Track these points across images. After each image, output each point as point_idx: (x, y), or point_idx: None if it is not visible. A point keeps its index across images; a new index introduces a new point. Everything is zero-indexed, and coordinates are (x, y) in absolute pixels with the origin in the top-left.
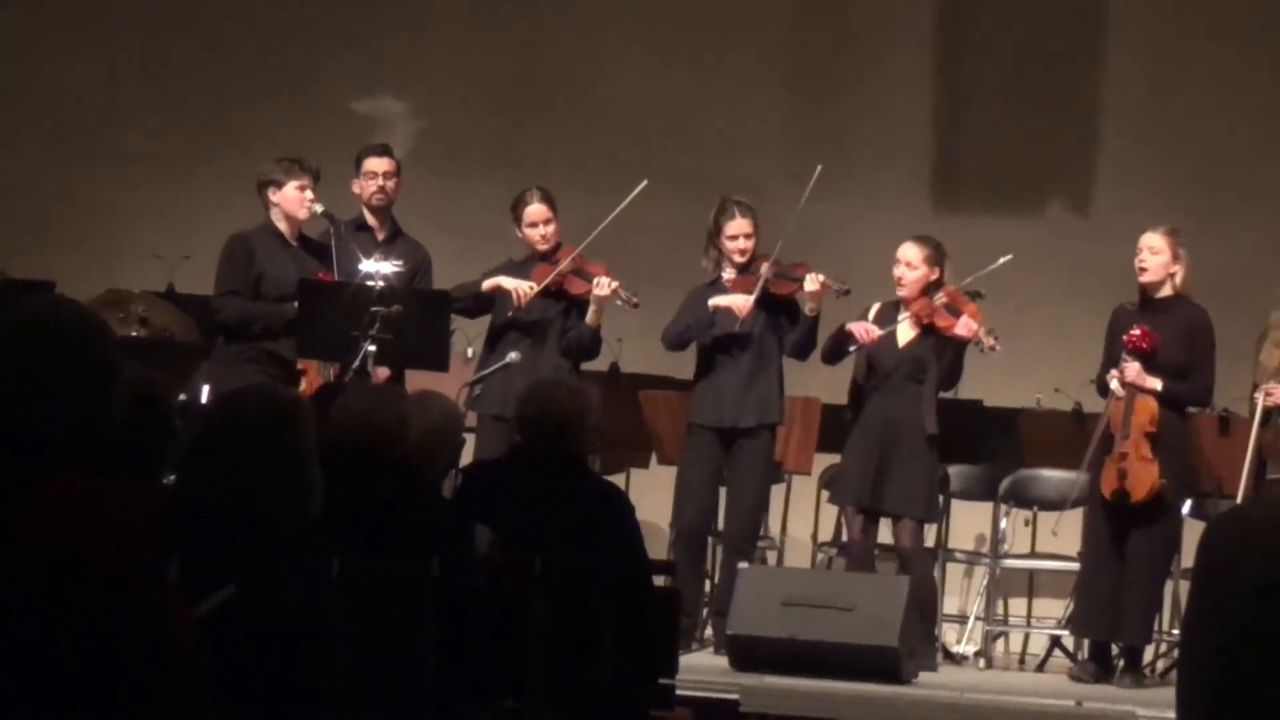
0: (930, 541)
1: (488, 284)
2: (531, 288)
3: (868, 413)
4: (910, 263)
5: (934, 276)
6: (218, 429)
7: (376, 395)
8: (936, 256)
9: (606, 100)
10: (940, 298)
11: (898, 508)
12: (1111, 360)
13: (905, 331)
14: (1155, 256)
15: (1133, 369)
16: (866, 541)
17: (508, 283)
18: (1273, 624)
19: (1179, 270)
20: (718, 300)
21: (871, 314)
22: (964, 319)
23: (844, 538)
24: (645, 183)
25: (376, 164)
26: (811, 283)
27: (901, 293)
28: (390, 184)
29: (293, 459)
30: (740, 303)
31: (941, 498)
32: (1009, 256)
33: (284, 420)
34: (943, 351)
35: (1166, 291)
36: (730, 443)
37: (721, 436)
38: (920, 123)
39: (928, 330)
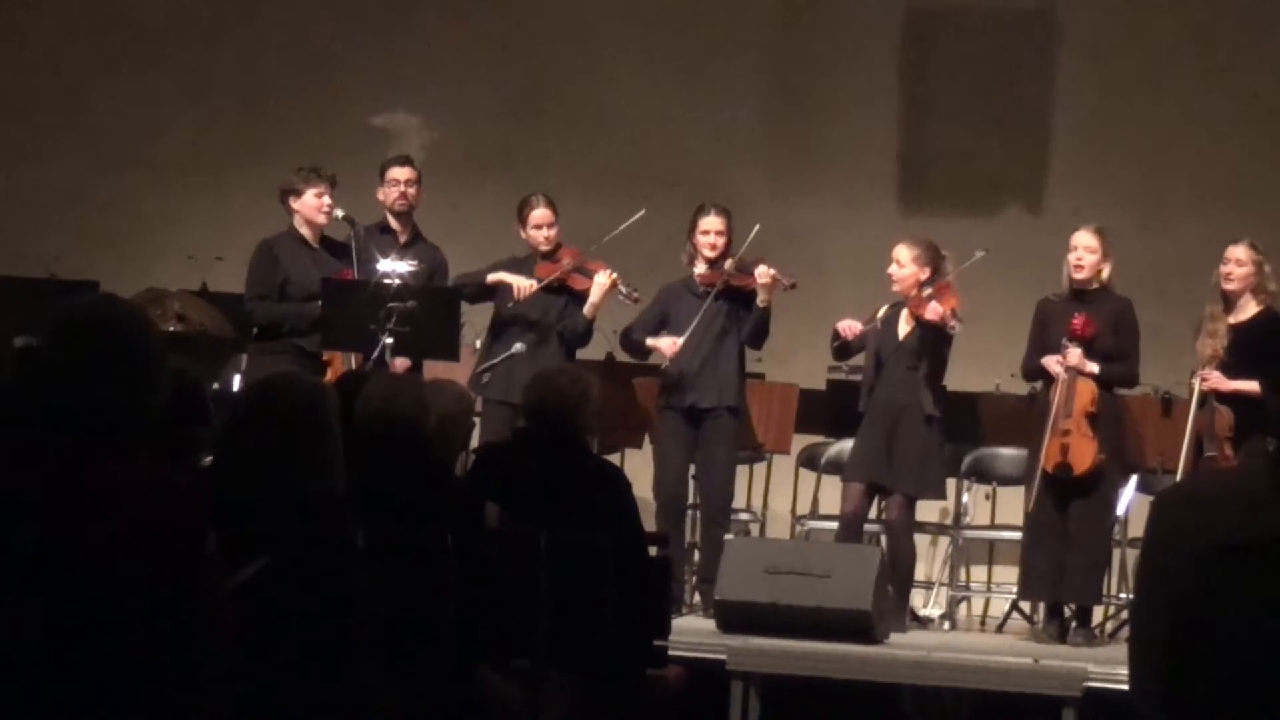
0: (932, 515)
1: (492, 277)
2: (532, 284)
3: (875, 400)
4: (900, 262)
5: (925, 275)
6: (250, 413)
7: (397, 384)
8: (928, 256)
9: (602, 113)
10: (929, 291)
11: (892, 483)
12: (1042, 347)
13: (903, 325)
14: (1091, 255)
15: (1075, 354)
16: (859, 515)
17: (509, 278)
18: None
19: (1107, 265)
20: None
21: (881, 313)
22: (933, 303)
23: (820, 510)
24: (643, 211)
25: (399, 173)
26: (763, 276)
27: (895, 289)
28: (411, 191)
29: (318, 438)
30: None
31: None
32: (983, 252)
33: (309, 404)
34: (926, 341)
35: (1095, 284)
36: (698, 422)
37: (687, 415)
38: (888, 132)
39: (918, 322)
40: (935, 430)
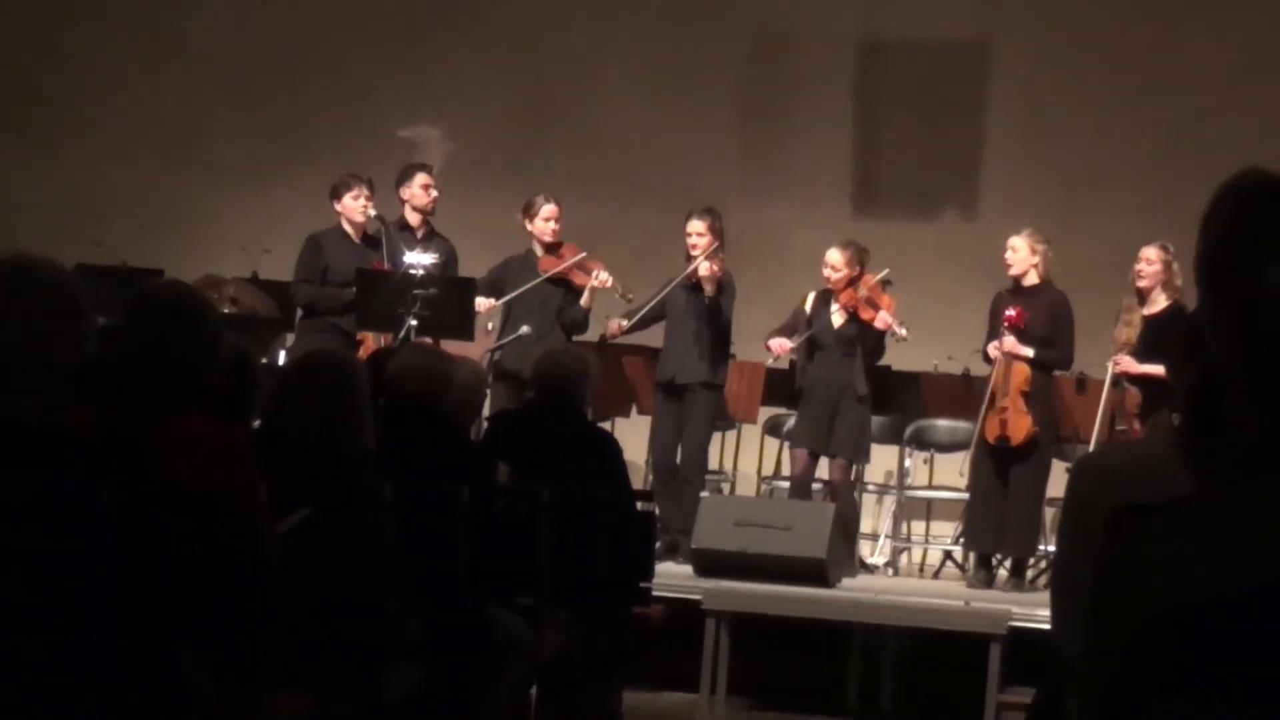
0: (878, 477)
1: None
2: (490, 302)
3: (814, 379)
4: (834, 265)
5: (855, 273)
6: (294, 381)
7: (422, 359)
8: (857, 256)
9: (598, 126)
10: (862, 290)
11: (833, 450)
12: (995, 333)
13: (837, 317)
14: (1016, 254)
15: (1009, 341)
16: (806, 476)
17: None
18: (1125, 542)
19: (1039, 262)
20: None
21: (809, 301)
22: (882, 313)
23: (782, 472)
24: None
25: (424, 179)
26: (704, 269)
27: (830, 286)
28: (435, 194)
29: (350, 402)
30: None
31: None
32: (887, 271)
33: (343, 373)
34: (867, 334)
35: (1032, 280)
36: (681, 396)
37: (672, 390)
38: (843, 145)
39: (853, 316)
40: (867, 406)
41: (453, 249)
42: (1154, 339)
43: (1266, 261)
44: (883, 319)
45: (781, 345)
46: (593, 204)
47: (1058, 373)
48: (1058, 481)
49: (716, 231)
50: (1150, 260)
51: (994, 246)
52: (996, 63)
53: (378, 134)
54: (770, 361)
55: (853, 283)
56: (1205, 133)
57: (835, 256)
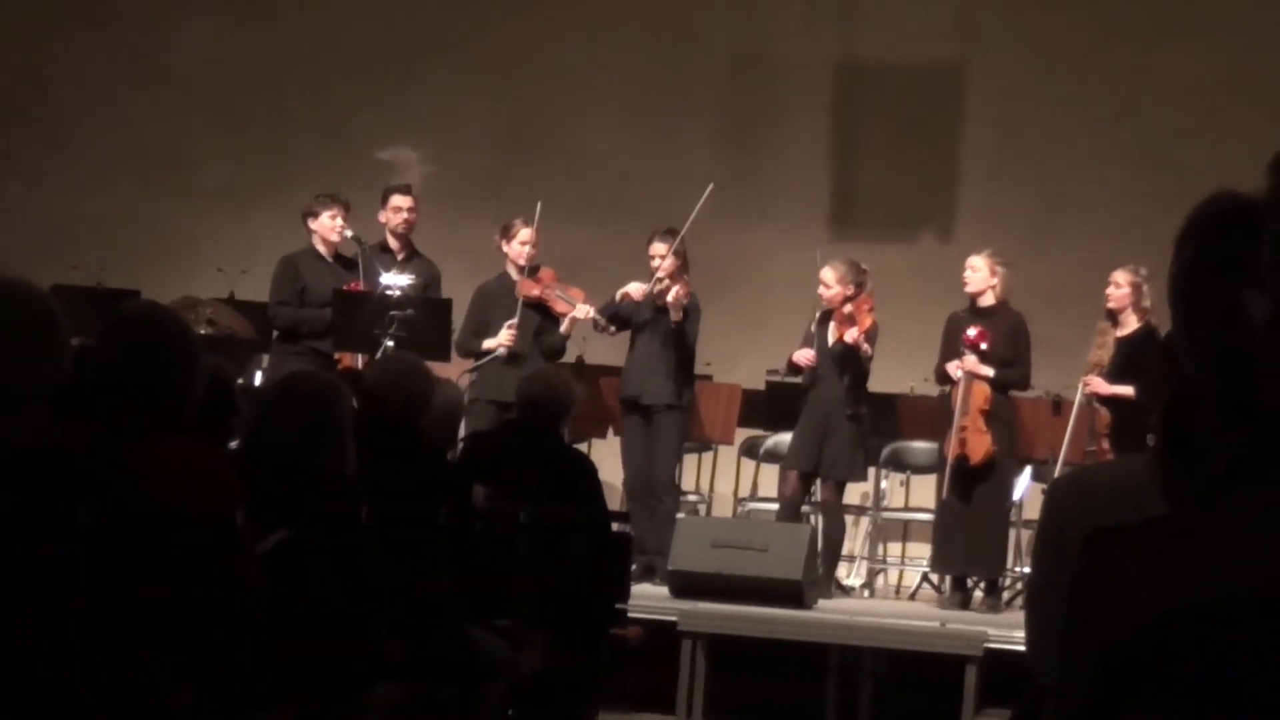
0: (855, 498)
1: (488, 343)
2: (512, 334)
3: (809, 399)
4: (826, 283)
5: (849, 291)
6: (276, 403)
7: (405, 376)
8: (851, 275)
9: (576, 150)
10: (847, 308)
11: (824, 471)
12: (949, 356)
13: (832, 334)
14: (975, 274)
15: (970, 360)
16: (796, 497)
17: (492, 343)
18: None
19: (997, 283)
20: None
21: (814, 325)
22: (851, 330)
23: (759, 493)
24: (711, 185)
25: (402, 200)
26: (671, 294)
27: (825, 304)
28: (411, 216)
29: (333, 425)
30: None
31: None
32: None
33: (326, 396)
34: (849, 352)
35: (990, 300)
36: (649, 418)
37: (637, 410)
38: (821, 169)
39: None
40: (859, 426)
41: (436, 272)
42: (1125, 360)
43: (1239, 283)
44: (851, 335)
45: (807, 356)
46: (571, 227)
47: (1016, 394)
48: (1033, 503)
49: (679, 254)
50: (1119, 284)
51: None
52: (972, 85)
53: (357, 157)
54: (799, 376)
55: (848, 301)
56: (1180, 155)
57: (826, 274)
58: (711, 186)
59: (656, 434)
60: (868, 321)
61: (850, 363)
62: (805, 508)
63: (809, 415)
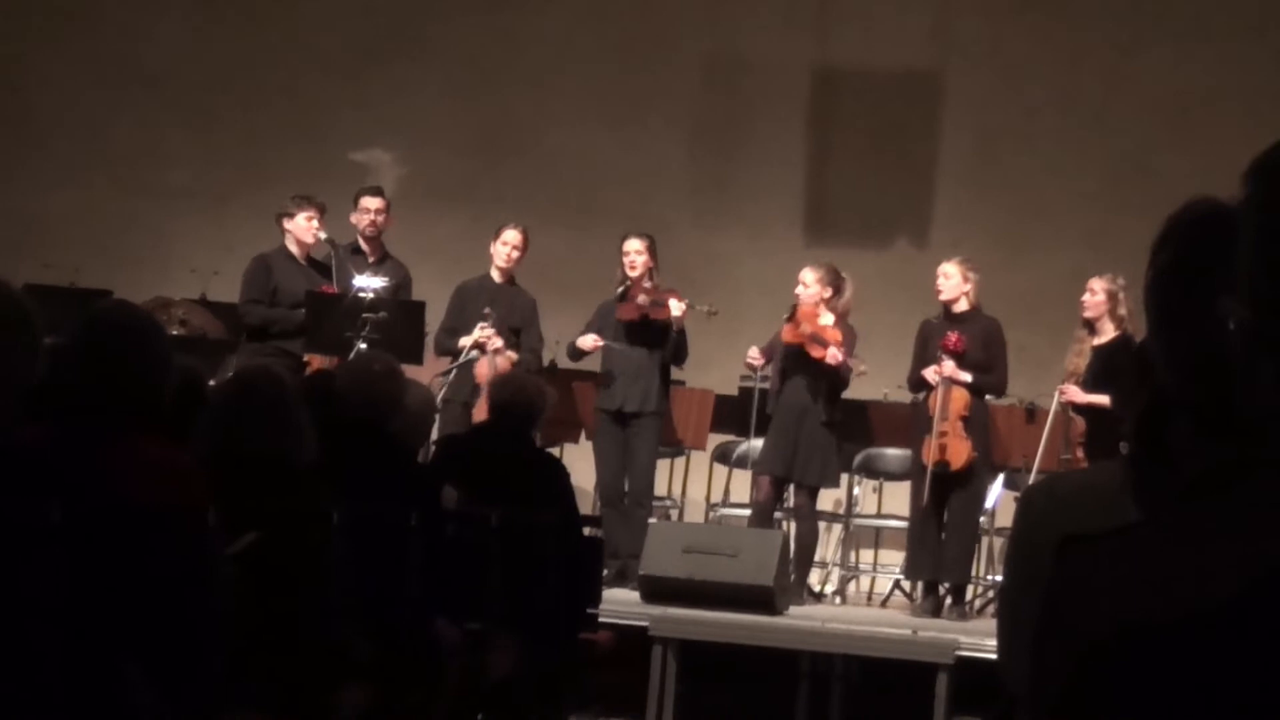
0: (827, 505)
1: (463, 340)
2: (486, 334)
3: (782, 404)
4: (805, 283)
5: (827, 294)
6: (230, 398)
7: (376, 378)
8: (830, 278)
9: (550, 153)
10: (805, 327)
11: (798, 476)
12: (923, 362)
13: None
14: (948, 280)
15: (949, 366)
16: (768, 504)
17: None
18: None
19: (970, 289)
20: (582, 342)
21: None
22: (831, 350)
23: (731, 499)
24: None
25: (370, 202)
26: (676, 308)
27: (797, 304)
28: (380, 218)
29: (287, 415)
30: (589, 343)
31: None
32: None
33: (272, 386)
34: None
35: (964, 306)
36: (626, 423)
37: (619, 417)
38: (795, 173)
39: (801, 350)
40: (833, 431)
41: (407, 274)
42: (1101, 369)
43: (1214, 290)
44: (833, 355)
45: (755, 355)
46: (545, 230)
47: (992, 400)
48: (1007, 511)
49: (653, 253)
50: (1094, 291)
51: None
52: (948, 91)
53: (331, 157)
54: (755, 378)
55: (822, 302)
56: (1156, 162)
57: (808, 274)
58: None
59: (636, 439)
60: (835, 334)
61: (825, 374)
62: (777, 514)
63: (781, 419)
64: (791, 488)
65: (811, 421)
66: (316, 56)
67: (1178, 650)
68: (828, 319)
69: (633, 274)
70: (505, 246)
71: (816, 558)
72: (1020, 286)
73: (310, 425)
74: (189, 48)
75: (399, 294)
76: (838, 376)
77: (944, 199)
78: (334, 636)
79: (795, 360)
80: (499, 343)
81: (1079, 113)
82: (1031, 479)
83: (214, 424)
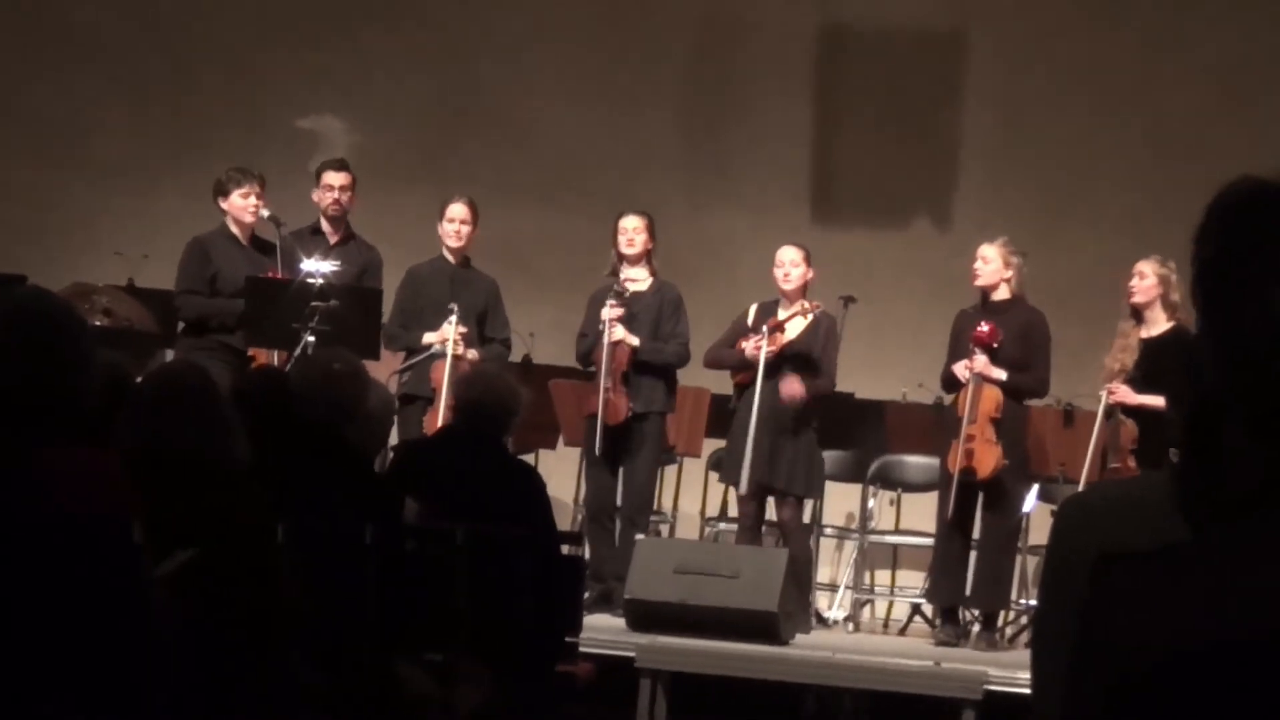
0: (807, 517)
1: (428, 337)
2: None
3: (759, 403)
4: (793, 262)
5: (810, 275)
6: (149, 397)
7: (331, 378)
8: (808, 257)
9: (525, 125)
10: (770, 349)
11: (784, 486)
12: (956, 358)
13: (792, 329)
14: (987, 265)
15: (980, 360)
16: (754, 520)
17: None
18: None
19: (1012, 275)
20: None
21: (751, 314)
22: (792, 387)
23: (730, 513)
24: None
25: (334, 178)
26: (790, 387)
27: (787, 288)
28: (345, 196)
29: (212, 411)
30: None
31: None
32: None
33: (198, 381)
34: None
35: (1003, 295)
36: (629, 424)
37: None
38: (800, 147)
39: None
40: (814, 435)
41: (375, 257)
42: (1153, 365)
43: (1266, 280)
44: (792, 392)
45: (756, 344)
46: (520, 212)
47: (1029, 401)
48: (1041, 526)
49: (653, 233)
50: (1144, 274)
51: (967, 261)
52: (971, 56)
53: (276, 128)
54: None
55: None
56: (1200, 138)
57: (791, 254)
58: None
59: (636, 443)
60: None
61: (807, 362)
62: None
63: (758, 423)
64: (773, 500)
65: (794, 423)
66: (260, 15)
67: (1229, 680)
68: (796, 325)
69: (630, 252)
70: (452, 223)
71: (826, 579)
72: (1052, 273)
73: (239, 425)
74: (121, 6)
75: (364, 280)
76: (812, 365)
77: (967, 176)
78: (280, 666)
79: (772, 365)
80: (462, 348)
81: (1116, 80)
82: (1080, 489)
83: (133, 422)
